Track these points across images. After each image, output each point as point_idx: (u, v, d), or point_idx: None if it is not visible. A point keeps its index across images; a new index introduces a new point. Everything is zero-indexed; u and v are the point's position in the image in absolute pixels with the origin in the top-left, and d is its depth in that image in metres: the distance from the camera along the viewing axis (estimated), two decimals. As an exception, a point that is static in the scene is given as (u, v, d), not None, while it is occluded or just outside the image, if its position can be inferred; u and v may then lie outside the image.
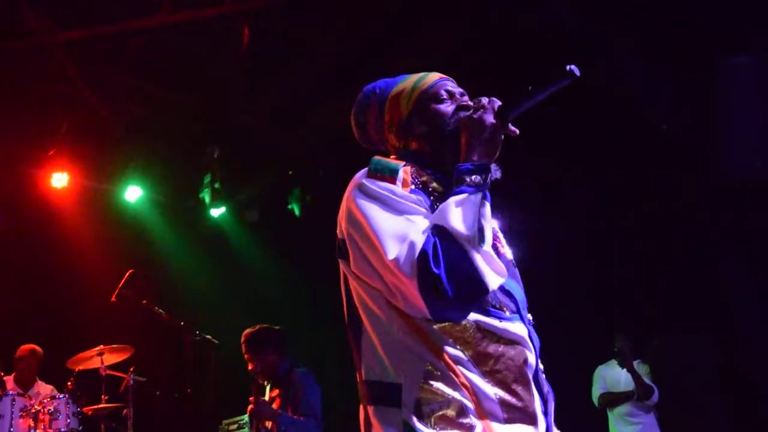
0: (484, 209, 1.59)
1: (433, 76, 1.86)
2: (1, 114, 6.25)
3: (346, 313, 1.76)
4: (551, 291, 7.16)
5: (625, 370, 5.95)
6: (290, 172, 7.70)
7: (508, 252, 1.85)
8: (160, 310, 5.03)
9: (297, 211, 7.76)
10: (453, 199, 1.60)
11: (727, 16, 5.12)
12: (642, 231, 6.82)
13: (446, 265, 1.52)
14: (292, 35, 5.91)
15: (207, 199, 7.55)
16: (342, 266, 1.74)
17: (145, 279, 5.57)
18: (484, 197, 1.60)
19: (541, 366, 1.74)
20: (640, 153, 6.46)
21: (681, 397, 6.40)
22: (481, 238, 1.55)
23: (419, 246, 1.54)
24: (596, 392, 6.19)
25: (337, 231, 1.73)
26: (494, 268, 1.57)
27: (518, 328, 1.67)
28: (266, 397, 4.29)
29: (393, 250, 1.56)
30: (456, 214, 1.56)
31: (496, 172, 1.72)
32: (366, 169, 1.72)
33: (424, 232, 1.57)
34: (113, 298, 5.09)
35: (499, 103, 1.70)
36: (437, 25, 5.60)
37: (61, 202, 7.04)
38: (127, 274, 5.13)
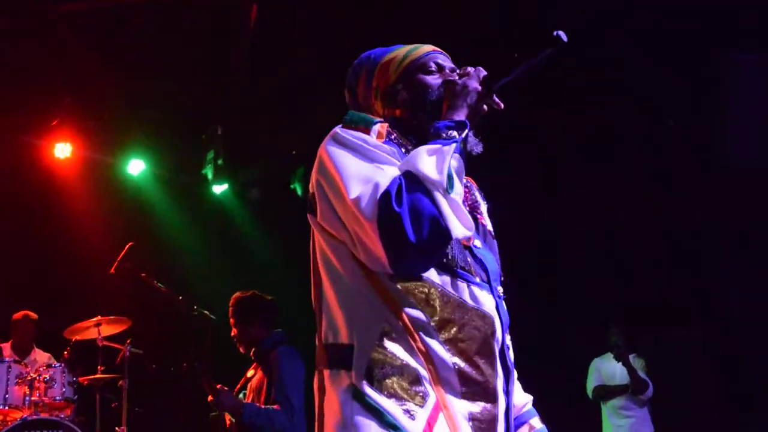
0: (456, 161, 1.52)
1: (426, 48, 1.83)
2: (6, 83, 6.23)
3: (311, 274, 1.69)
4: (548, 281, 7.19)
5: (620, 363, 5.96)
6: (294, 152, 7.68)
7: (488, 223, 1.81)
8: (159, 284, 5.01)
9: (299, 191, 7.75)
10: (424, 148, 1.54)
11: (734, 12, 5.10)
12: (641, 225, 6.82)
13: (409, 205, 1.44)
14: (300, 15, 5.89)
15: (209, 176, 7.54)
16: (310, 221, 1.67)
17: (145, 252, 5.56)
18: (457, 150, 1.54)
19: (508, 342, 1.68)
20: (644, 147, 6.45)
21: (675, 392, 6.41)
22: (450, 185, 1.48)
23: (383, 187, 1.47)
24: (591, 384, 6.21)
25: (309, 185, 1.68)
26: (460, 218, 1.48)
27: (486, 298, 1.60)
28: (248, 375, 4.07)
29: (356, 190, 1.50)
30: (425, 160, 1.49)
31: (477, 147, 1.68)
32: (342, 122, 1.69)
33: (391, 176, 1.50)
34: (112, 270, 5.06)
35: (485, 72, 1.67)
36: (441, 12, 5.56)
37: (63, 172, 7.03)
38: (127, 246, 5.10)
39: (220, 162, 7.43)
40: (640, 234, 6.85)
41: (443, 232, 1.46)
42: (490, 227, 1.81)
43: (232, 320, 4.01)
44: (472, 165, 1.65)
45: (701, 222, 6.47)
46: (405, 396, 1.47)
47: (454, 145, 1.52)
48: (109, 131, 7.12)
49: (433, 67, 1.79)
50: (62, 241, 6.93)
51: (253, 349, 3.98)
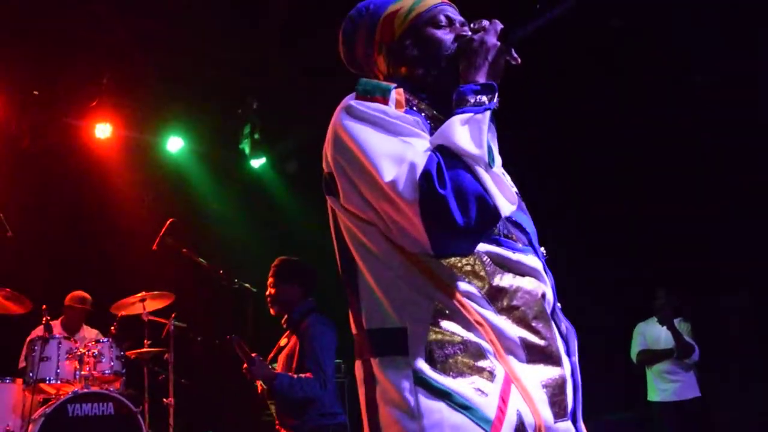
0: (492, 131, 1.41)
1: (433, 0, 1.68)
2: (47, 64, 6.32)
3: (338, 257, 1.59)
4: (593, 244, 7.09)
5: (665, 327, 5.87)
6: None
7: (512, 184, 1.70)
8: (200, 259, 5.08)
9: (336, 163, 7.73)
10: (456, 118, 1.41)
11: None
12: (687, 189, 6.67)
13: (453, 186, 1.32)
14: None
15: (247, 150, 7.59)
16: (330, 203, 1.57)
17: (186, 228, 5.64)
18: (490, 119, 1.42)
19: (558, 303, 1.59)
20: (684, 105, 6.27)
21: (723, 356, 6.30)
22: (491, 159, 1.37)
23: (421, 166, 1.34)
24: (635, 349, 6.14)
25: (323, 164, 1.55)
26: (505, 193, 1.39)
27: (533, 261, 1.52)
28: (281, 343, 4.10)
29: (390, 172, 1.36)
30: (461, 133, 1.37)
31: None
32: (353, 92, 1.54)
33: (425, 152, 1.38)
34: (154, 246, 5.15)
35: (501, 25, 1.54)
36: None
37: (104, 152, 7.16)
38: (168, 222, 5.18)
39: (256, 136, 7.46)
40: (684, 198, 6.70)
41: (492, 212, 1.35)
42: (515, 188, 1.68)
43: (271, 280, 4.03)
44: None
45: (750, 186, 6.28)
46: (472, 373, 1.38)
47: (488, 113, 1.41)
48: (147, 110, 7.21)
49: (444, 20, 1.65)
50: (106, 219, 7.07)
51: (285, 317, 4.02)
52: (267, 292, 4.06)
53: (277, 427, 3.92)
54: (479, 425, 1.35)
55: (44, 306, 5.12)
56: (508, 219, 1.53)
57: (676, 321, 5.87)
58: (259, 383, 3.86)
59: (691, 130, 6.33)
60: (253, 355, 3.77)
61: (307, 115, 7.54)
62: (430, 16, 1.65)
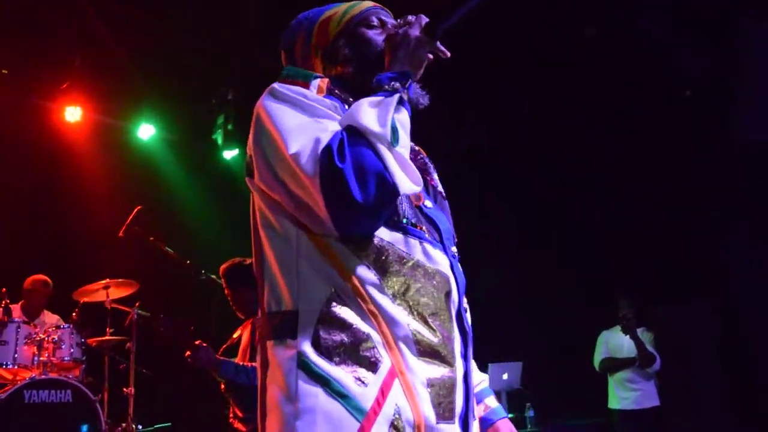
0: (400, 114, 1.44)
1: (367, 3, 1.76)
2: (17, 45, 6.19)
3: (252, 240, 1.58)
4: (559, 254, 7.16)
5: (628, 336, 5.93)
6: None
7: (439, 185, 1.73)
8: (167, 248, 5.01)
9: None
10: (365, 100, 1.44)
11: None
12: (649, 199, 6.76)
13: (352, 161, 1.33)
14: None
15: (219, 141, 7.52)
16: (249, 186, 1.57)
17: (154, 216, 5.55)
18: (401, 102, 1.45)
19: (465, 305, 1.60)
20: (657, 117, 6.37)
21: (681, 366, 6.40)
22: (395, 138, 1.39)
23: (324, 142, 1.37)
24: (598, 357, 6.21)
25: (247, 148, 1.57)
26: (407, 172, 1.38)
27: (439, 257, 1.52)
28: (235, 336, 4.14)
29: (295, 145, 1.38)
30: (367, 113, 1.40)
31: (423, 99, 1.59)
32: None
33: (332, 131, 1.40)
34: (121, 234, 5.06)
35: (427, 19, 1.59)
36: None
37: (73, 136, 7.02)
38: (135, 210, 5.10)
39: (230, 127, 7.40)
40: (648, 206, 6.79)
41: (390, 188, 1.35)
42: (441, 188, 1.72)
43: (226, 290, 4.10)
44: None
45: (714, 196, 6.40)
46: (356, 362, 1.37)
47: (397, 96, 1.44)
48: (120, 95, 7.10)
49: (376, 21, 1.71)
50: (72, 204, 6.94)
51: (248, 313, 4.08)
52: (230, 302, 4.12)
53: (230, 420, 3.91)
54: (352, 415, 1.33)
55: (3, 289, 5.01)
56: (422, 212, 1.54)
57: (639, 330, 5.95)
58: (222, 383, 3.85)
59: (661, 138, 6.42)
60: (197, 342, 3.71)
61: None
62: (362, 17, 1.72)
